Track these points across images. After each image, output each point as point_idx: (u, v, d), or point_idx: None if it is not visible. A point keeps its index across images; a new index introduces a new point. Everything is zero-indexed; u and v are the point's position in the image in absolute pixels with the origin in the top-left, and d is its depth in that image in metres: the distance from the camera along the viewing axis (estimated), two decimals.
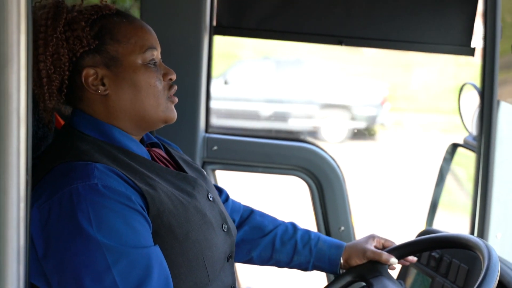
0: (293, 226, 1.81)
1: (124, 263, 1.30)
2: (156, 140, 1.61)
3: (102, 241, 1.29)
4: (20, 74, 0.90)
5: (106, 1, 1.50)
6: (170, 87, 1.50)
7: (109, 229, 1.30)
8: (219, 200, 1.61)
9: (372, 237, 1.76)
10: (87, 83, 1.43)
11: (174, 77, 1.50)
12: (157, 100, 1.47)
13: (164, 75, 1.49)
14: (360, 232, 2.53)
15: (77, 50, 1.42)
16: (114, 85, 1.44)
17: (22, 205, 0.94)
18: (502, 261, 1.79)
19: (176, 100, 1.51)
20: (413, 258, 1.74)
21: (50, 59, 1.41)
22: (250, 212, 1.83)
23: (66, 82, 1.44)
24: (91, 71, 1.43)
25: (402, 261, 1.74)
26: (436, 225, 2.61)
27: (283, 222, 1.82)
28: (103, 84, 1.44)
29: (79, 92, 1.45)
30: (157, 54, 1.48)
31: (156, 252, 1.35)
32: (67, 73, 1.43)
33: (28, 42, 0.91)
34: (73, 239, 1.30)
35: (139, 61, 1.45)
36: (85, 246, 1.29)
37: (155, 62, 1.48)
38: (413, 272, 2.02)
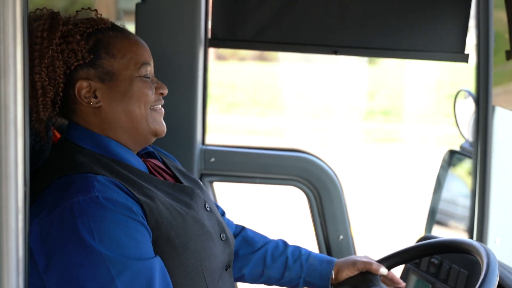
0: (284, 242, 1.81)
1: (128, 275, 1.30)
2: (152, 150, 1.61)
3: (105, 253, 1.29)
4: (16, 86, 0.90)
5: (101, 15, 1.51)
6: (158, 100, 1.51)
7: (111, 241, 1.31)
8: (216, 210, 1.61)
9: (365, 256, 1.77)
10: (79, 96, 1.44)
11: (165, 91, 1.51)
12: (146, 109, 1.47)
13: (156, 88, 1.50)
14: (359, 241, 2.53)
15: (72, 63, 1.43)
16: (107, 97, 1.45)
17: (21, 217, 0.94)
18: (501, 265, 1.79)
19: (163, 112, 1.52)
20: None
21: (45, 71, 1.41)
22: (241, 228, 1.84)
23: (60, 94, 1.44)
24: (85, 84, 1.44)
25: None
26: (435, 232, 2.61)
27: (274, 240, 1.83)
28: (95, 97, 1.45)
29: (72, 104, 1.46)
30: (150, 69, 1.50)
31: (158, 263, 1.35)
32: (61, 85, 1.44)
33: (25, 54, 0.92)
34: (76, 252, 1.30)
35: (135, 75, 1.46)
36: (88, 259, 1.29)
37: (148, 77, 1.49)
38: (413, 279, 2.01)
